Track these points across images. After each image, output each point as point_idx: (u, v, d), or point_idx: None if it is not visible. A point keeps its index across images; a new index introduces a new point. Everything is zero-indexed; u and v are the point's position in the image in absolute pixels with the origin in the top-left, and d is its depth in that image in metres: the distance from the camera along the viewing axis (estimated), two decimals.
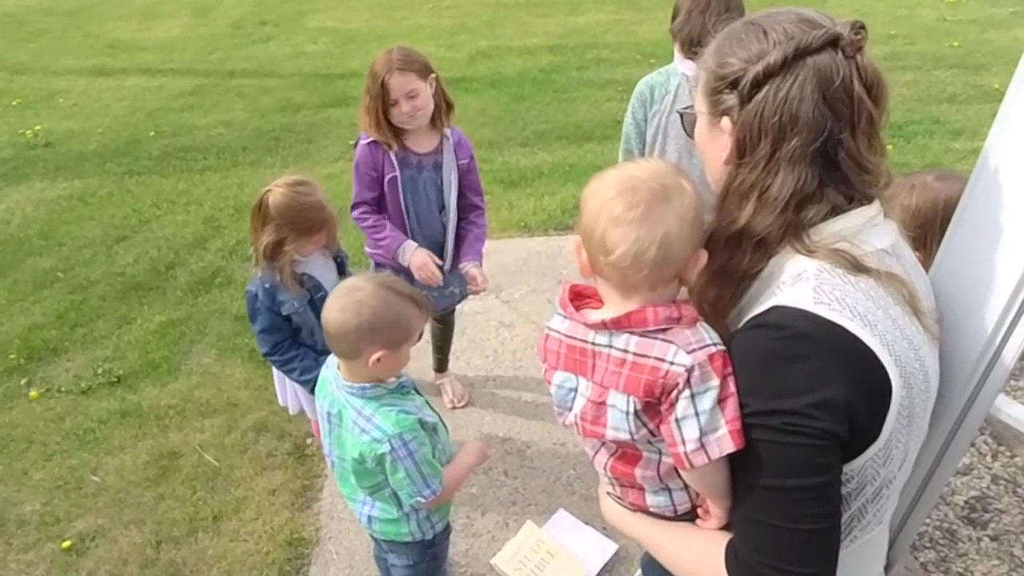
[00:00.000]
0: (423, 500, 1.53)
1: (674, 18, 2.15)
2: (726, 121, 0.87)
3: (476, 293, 2.48)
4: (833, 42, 0.81)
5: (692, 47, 2.01)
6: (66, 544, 2.35)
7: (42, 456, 2.71)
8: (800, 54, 0.80)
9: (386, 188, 2.25)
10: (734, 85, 0.84)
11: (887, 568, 1.27)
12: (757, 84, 0.82)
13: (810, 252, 0.84)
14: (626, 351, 0.89)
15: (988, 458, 2.50)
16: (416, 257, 2.25)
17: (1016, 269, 0.94)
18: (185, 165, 5.06)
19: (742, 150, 0.86)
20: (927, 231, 1.32)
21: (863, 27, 0.81)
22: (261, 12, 8.90)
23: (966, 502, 2.34)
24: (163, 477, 2.60)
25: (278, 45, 7.75)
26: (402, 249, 2.27)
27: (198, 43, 7.86)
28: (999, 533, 2.24)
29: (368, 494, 1.61)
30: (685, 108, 1.03)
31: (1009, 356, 1.00)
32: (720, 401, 0.83)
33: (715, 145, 0.90)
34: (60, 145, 5.47)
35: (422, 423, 1.50)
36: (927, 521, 2.28)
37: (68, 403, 2.96)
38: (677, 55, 2.19)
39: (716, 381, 0.83)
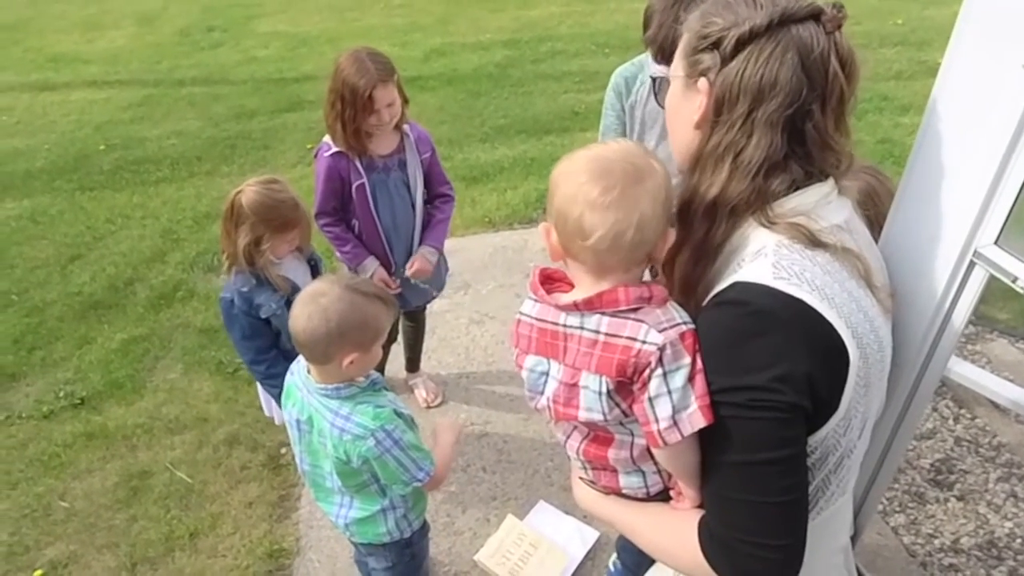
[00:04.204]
0: (420, 484, 1.54)
1: (645, 28, 2.16)
2: (703, 82, 0.87)
3: (419, 278, 2.43)
4: (815, 16, 0.83)
5: (667, 56, 2.03)
6: (37, 574, 2.29)
7: (6, 485, 2.63)
8: (785, 21, 0.82)
9: (354, 195, 2.24)
10: (716, 45, 0.85)
11: (855, 535, 1.31)
12: (741, 44, 0.83)
13: (772, 224, 0.85)
14: (598, 331, 0.89)
15: (950, 421, 2.58)
16: (378, 273, 2.35)
17: (959, 236, 0.97)
18: (138, 178, 4.93)
19: (719, 109, 0.86)
20: None
21: (843, 7, 0.84)
22: (208, 18, 8.71)
23: (932, 465, 2.42)
24: (134, 498, 2.55)
25: (228, 51, 7.59)
26: (362, 267, 2.33)
27: (144, 53, 7.67)
28: (965, 493, 2.32)
29: (352, 493, 1.61)
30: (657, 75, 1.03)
31: (958, 321, 1.03)
32: (690, 378, 0.84)
33: (688, 107, 0.90)
34: (5, 164, 5.28)
35: (398, 414, 1.51)
36: (895, 486, 2.35)
37: (30, 429, 2.88)
38: (650, 59, 2.20)
39: (687, 359, 0.84)
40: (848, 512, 1.08)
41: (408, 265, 2.38)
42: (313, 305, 1.41)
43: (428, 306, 2.76)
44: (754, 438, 0.82)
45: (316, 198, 2.27)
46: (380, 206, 2.29)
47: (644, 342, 0.85)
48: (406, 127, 2.27)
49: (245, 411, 2.86)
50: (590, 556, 2.24)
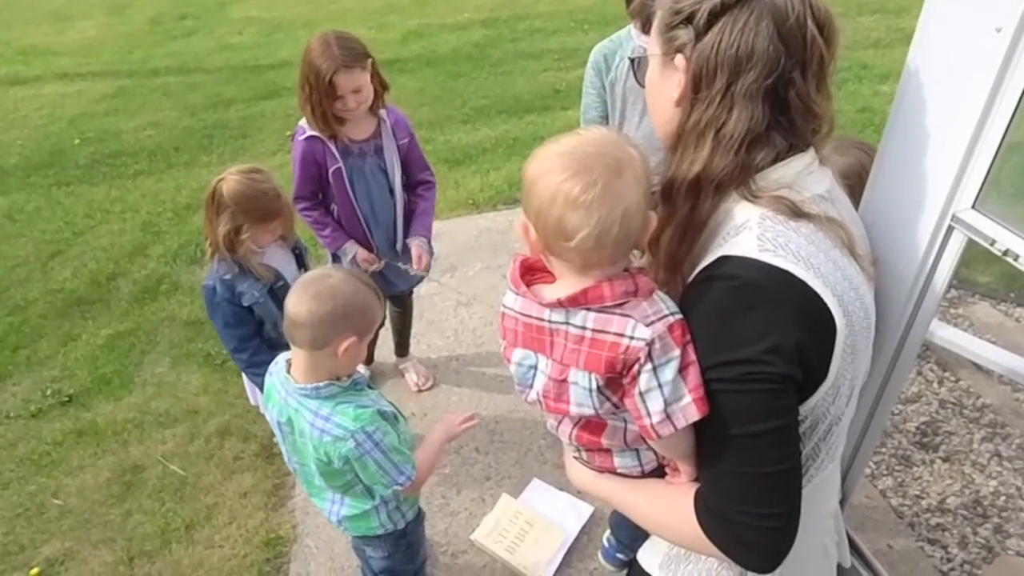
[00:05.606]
0: (400, 487, 1.53)
1: (628, 0, 2.14)
2: (680, 58, 0.86)
3: (420, 271, 2.44)
4: None
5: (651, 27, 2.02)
6: (34, 572, 2.28)
7: None
8: None
9: (331, 180, 2.22)
10: (689, 19, 0.84)
11: (844, 499, 1.33)
12: (714, 16, 0.81)
13: (755, 198, 0.85)
14: (584, 327, 0.87)
15: (935, 384, 2.62)
16: (360, 253, 2.35)
17: (937, 201, 0.98)
18: (115, 171, 4.86)
19: (697, 85, 0.84)
20: None
21: None
22: (180, 6, 8.54)
23: (917, 428, 2.46)
24: (128, 492, 2.54)
25: (201, 39, 7.46)
26: (343, 251, 2.33)
27: (116, 43, 7.51)
28: (950, 454, 2.36)
29: (340, 493, 1.60)
30: (636, 55, 1.00)
31: (939, 285, 1.05)
32: (681, 370, 0.83)
33: (667, 86, 0.89)
34: None
35: (381, 414, 1.49)
36: (882, 449, 2.39)
37: (19, 428, 2.86)
38: (635, 30, 2.19)
39: (677, 351, 0.83)
40: (837, 477, 1.09)
41: (416, 260, 2.38)
42: (320, 284, 1.40)
43: (415, 290, 2.76)
44: (748, 411, 0.82)
45: (294, 182, 2.26)
46: (357, 192, 2.27)
47: (632, 337, 0.84)
48: (383, 112, 2.24)
49: (235, 402, 2.86)
50: (585, 531, 2.26)
